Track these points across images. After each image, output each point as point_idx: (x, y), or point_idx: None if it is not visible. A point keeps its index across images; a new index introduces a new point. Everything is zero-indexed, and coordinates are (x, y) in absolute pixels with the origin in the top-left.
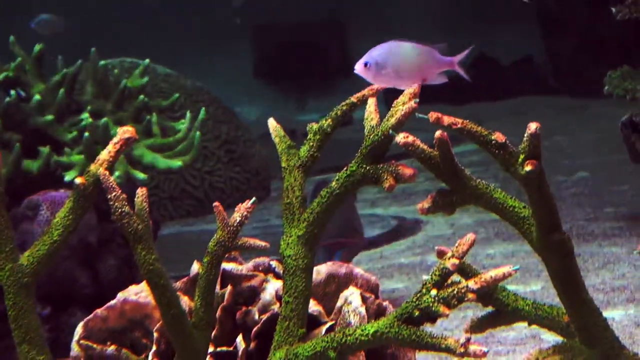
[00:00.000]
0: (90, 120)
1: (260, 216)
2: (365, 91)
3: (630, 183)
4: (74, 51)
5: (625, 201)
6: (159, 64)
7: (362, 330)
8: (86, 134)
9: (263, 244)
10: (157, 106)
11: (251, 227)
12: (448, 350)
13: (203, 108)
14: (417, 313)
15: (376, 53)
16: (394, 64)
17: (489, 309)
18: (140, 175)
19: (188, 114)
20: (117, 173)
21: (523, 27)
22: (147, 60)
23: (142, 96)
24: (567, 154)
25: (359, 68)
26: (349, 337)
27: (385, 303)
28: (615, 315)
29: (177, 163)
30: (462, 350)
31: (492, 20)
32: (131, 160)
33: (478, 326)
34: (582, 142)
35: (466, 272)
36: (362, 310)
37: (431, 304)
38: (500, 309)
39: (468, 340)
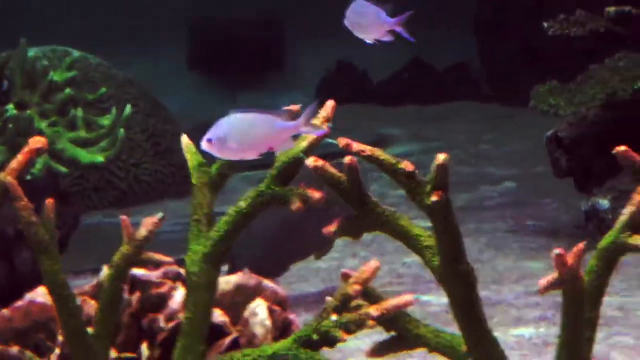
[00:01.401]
0: (14, 111)
1: (184, 211)
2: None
3: (553, 197)
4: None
5: (547, 215)
6: (92, 53)
7: (261, 352)
8: (10, 125)
9: (168, 259)
10: (83, 100)
11: (173, 222)
12: None
13: (129, 105)
14: (316, 337)
15: (219, 128)
16: (235, 138)
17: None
18: (62, 169)
19: (113, 110)
20: (37, 166)
21: (459, 33)
22: (76, 53)
23: (68, 89)
24: (494, 162)
25: (204, 144)
26: (247, 358)
27: (292, 316)
28: (525, 332)
29: (99, 159)
30: None
31: (428, 26)
32: (54, 153)
33: (379, 350)
34: (510, 151)
35: (370, 296)
36: (268, 323)
37: (330, 329)
38: (402, 334)
39: None
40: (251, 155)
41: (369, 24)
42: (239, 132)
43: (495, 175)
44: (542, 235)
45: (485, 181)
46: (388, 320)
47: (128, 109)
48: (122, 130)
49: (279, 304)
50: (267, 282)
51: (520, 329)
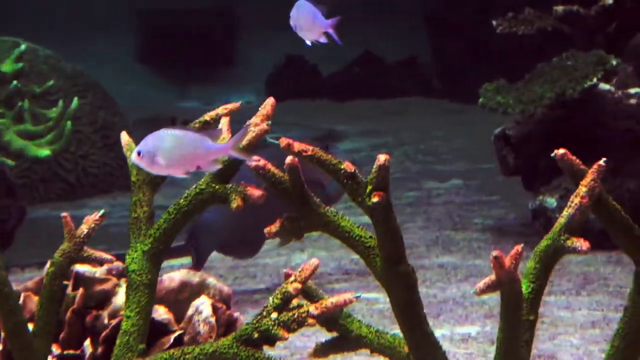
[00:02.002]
0: None
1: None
2: (219, 110)
3: (500, 195)
4: None
5: (494, 213)
6: (41, 45)
7: (201, 350)
8: None
9: (109, 257)
10: (30, 92)
11: (121, 214)
12: None
13: (76, 98)
14: (256, 335)
15: (149, 142)
16: (164, 154)
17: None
18: (9, 162)
19: (60, 103)
20: None
21: (411, 27)
22: (23, 45)
23: (15, 82)
24: (442, 159)
25: (134, 156)
26: (187, 356)
27: (236, 314)
28: (472, 330)
29: (45, 152)
30: None
31: (379, 19)
32: (0, 146)
33: (322, 351)
34: (459, 148)
35: (311, 295)
36: (212, 320)
37: (271, 327)
38: (344, 335)
39: None
40: (178, 173)
41: (306, 26)
42: (168, 149)
43: (443, 172)
44: (489, 233)
45: (433, 178)
46: (330, 321)
47: (75, 102)
48: (69, 123)
49: (223, 301)
50: (212, 280)
51: (466, 327)
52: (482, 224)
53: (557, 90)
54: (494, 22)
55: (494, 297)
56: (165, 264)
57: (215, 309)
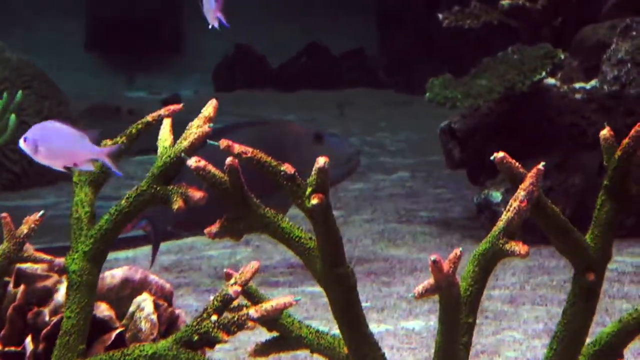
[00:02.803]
0: None
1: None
2: (162, 111)
3: (446, 188)
4: None
5: (439, 206)
6: None
7: (141, 351)
8: None
9: (48, 257)
10: None
11: (68, 206)
12: None
13: (20, 91)
14: (196, 338)
15: (35, 131)
16: (45, 144)
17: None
18: None
19: (5, 95)
20: None
21: (358, 18)
22: None
23: None
24: (388, 151)
25: (20, 142)
26: (127, 357)
27: (178, 311)
28: (415, 325)
29: None
30: None
31: (326, 9)
32: None
33: (262, 350)
34: (405, 140)
35: (253, 296)
36: (154, 317)
37: (211, 330)
38: (284, 334)
39: None
40: (57, 166)
41: (205, 9)
42: (50, 140)
43: (389, 165)
44: (434, 226)
45: (380, 170)
46: (270, 321)
47: (19, 95)
48: (13, 116)
49: (165, 298)
50: (154, 277)
51: (410, 322)
52: (428, 217)
53: (506, 84)
54: (440, 16)
55: None
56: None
57: (157, 306)
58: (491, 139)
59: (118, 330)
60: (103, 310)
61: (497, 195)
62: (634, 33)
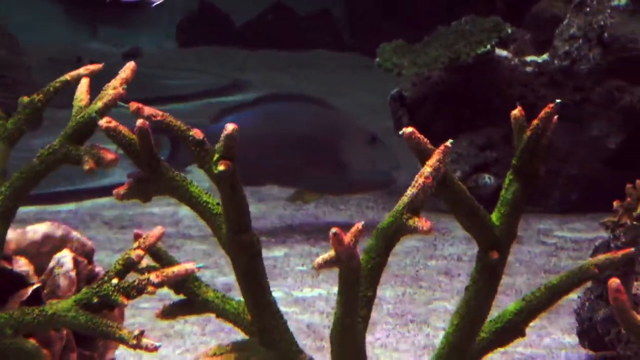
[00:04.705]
0: None
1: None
2: (81, 70)
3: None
4: None
5: None
6: None
7: (40, 311)
8: None
9: None
10: None
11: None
12: (121, 340)
13: None
14: (95, 300)
15: None
16: None
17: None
18: None
19: None
20: None
21: None
22: None
23: None
24: None
25: None
26: (27, 317)
27: (98, 269)
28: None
29: None
30: (134, 342)
31: None
32: None
33: (169, 313)
34: (361, 104)
35: (162, 259)
36: (73, 274)
37: (110, 293)
38: (191, 298)
39: (142, 333)
40: None
41: None
42: None
43: None
44: (379, 193)
45: None
46: (178, 284)
47: None
48: None
49: (85, 255)
50: (75, 233)
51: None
52: None
53: (451, 55)
54: None
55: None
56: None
57: (76, 263)
58: (441, 108)
59: (35, 286)
60: (22, 265)
61: None
62: (588, 9)
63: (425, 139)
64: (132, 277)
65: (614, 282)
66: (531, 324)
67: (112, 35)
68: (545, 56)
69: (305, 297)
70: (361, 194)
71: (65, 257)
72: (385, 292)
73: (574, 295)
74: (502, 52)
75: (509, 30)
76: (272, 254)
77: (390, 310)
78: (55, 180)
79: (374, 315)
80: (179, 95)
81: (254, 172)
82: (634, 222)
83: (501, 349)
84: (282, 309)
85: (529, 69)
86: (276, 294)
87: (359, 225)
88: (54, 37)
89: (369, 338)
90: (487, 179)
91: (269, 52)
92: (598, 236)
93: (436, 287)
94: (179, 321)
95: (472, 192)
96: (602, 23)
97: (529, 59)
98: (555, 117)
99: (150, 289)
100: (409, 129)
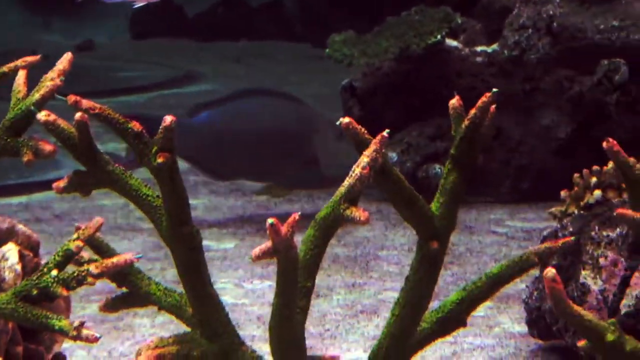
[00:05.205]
0: None
1: None
2: (19, 62)
3: None
4: None
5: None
6: None
7: None
8: None
9: None
10: None
11: None
12: (61, 331)
13: None
14: (35, 292)
15: None
16: None
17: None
18: None
19: None
20: None
21: None
22: None
23: None
24: None
25: None
26: None
27: (44, 262)
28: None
29: None
30: (74, 333)
31: None
32: None
33: (112, 305)
34: (311, 94)
35: (103, 250)
36: (18, 267)
37: (50, 284)
38: (133, 291)
39: (82, 324)
40: None
41: None
42: None
43: None
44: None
45: None
46: (119, 276)
47: None
48: None
49: (31, 248)
50: (21, 226)
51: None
52: None
53: (401, 45)
54: None
55: None
56: None
57: (22, 257)
58: (391, 98)
59: None
60: None
61: (392, 155)
62: None
63: (363, 129)
64: (71, 269)
65: (550, 272)
66: (480, 313)
67: (65, 27)
68: (495, 46)
69: (255, 289)
70: (332, 188)
71: (10, 251)
72: (336, 282)
73: (522, 285)
74: (452, 43)
75: (459, 21)
76: (223, 245)
77: (340, 301)
78: (6, 173)
79: (324, 306)
80: (133, 87)
81: (226, 167)
82: (581, 212)
83: (450, 339)
84: (232, 300)
85: (479, 59)
86: (226, 285)
87: (296, 215)
88: (7, 30)
89: (318, 329)
90: (438, 169)
91: (222, 43)
92: (548, 225)
93: (386, 277)
94: (129, 313)
95: (423, 182)
96: (551, 13)
97: (479, 49)
98: (493, 106)
99: (89, 279)
100: (346, 119)
